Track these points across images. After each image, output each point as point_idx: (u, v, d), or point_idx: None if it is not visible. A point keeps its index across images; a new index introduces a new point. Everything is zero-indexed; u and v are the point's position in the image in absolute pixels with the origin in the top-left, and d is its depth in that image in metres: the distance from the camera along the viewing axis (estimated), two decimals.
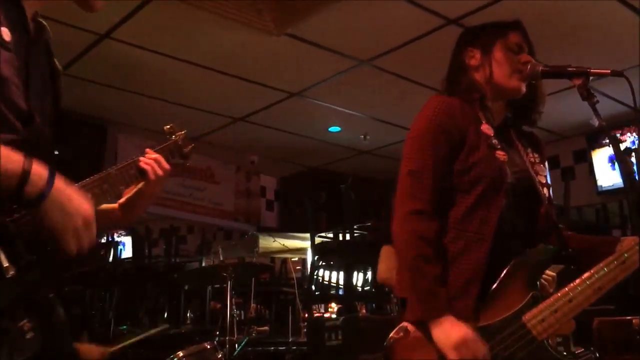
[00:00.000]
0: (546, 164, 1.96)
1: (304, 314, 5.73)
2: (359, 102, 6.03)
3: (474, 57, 1.89)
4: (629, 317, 2.92)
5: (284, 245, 7.35)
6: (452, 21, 4.45)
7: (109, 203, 1.63)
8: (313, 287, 5.49)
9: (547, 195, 1.84)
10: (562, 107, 5.56)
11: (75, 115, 6.01)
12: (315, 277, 5.53)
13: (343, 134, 6.93)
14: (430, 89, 4.55)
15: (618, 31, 4.57)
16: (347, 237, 5.41)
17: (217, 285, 5.54)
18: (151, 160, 1.72)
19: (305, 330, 5.29)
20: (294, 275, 7.09)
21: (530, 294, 1.64)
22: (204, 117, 6.24)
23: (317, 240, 5.92)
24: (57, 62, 1.54)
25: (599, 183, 6.52)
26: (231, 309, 3.86)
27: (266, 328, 5.78)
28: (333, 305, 5.98)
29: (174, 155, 1.87)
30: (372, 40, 4.78)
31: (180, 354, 3.35)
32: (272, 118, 6.43)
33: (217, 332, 3.94)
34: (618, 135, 6.19)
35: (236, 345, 3.84)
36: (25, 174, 1.19)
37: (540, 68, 1.79)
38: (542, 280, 1.74)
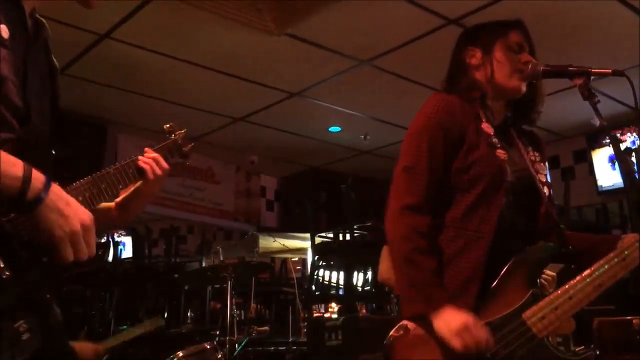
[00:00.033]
0: (546, 163, 1.95)
1: (304, 314, 5.73)
2: (359, 102, 6.03)
3: (475, 57, 1.89)
4: (629, 317, 2.92)
5: (284, 245, 7.35)
6: (452, 21, 4.45)
7: (106, 202, 1.61)
8: (313, 287, 5.49)
9: (547, 193, 1.84)
10: (562, 107, 5.56)
11: (75, 115, 6.01)
12: (315, 277, 5.53)
13: (343, 134, 6.93)
14: (431, 89, 4.54)
15: (618, 31, 4.57)
16: (347, 237, 5.41)
17: (217, 285, 5.54)
18: (150, 160, 1.70)
19: (305, 330, 5.29)
20: (294, 275, 7.09)
21: (531, 292, 1.64)
22: (204, 117, 6.24)
23: (317, 240, 5.91)
24: (55, 60, 1.53)
25: (599, 183, 6.52)
26: (231, 309, 3.86)
27: (266, 328, 5.78)
28: (333, 305, 5.98)
29: (174, 154, 1.85)
30: (372, 40, 4.78)
31: (180, 354, 3.35)
32: (272, 118, 6.43)
33: (217, 332, 3.94)
34: (618, 135, 6.19)
35: (236, 345, 3.84)
36: (27, 179, 1.17)
37: (541, 68, 1.79)
38: (542, 280, 1.74)
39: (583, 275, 1.62)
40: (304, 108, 6.15)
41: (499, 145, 1.79)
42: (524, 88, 1.85)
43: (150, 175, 1.68)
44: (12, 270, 1.20)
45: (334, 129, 6.78)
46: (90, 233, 1.25)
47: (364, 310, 5.38)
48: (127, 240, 8.16)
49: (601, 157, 6.53)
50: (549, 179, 1.89)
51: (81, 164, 5.50)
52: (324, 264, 5.64)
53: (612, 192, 6.36)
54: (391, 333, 1.66)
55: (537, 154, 1.91)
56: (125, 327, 5.56)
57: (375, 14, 4.37)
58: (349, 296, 5.23)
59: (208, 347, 3.48)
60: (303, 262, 7.55)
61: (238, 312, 5.06)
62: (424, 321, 1.62)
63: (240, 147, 7.36)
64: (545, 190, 1.84)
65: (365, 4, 4.24)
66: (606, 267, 1.62)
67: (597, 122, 1.66)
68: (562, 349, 1.64)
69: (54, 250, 1.21)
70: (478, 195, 1.73)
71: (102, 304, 5.72)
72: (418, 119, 1.82)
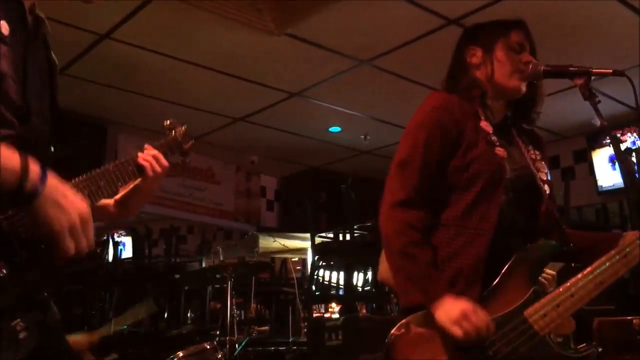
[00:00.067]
0: (547, 161, 1.95)
1: (304, 314, 5.73)
2: (359, 102, 6.03)
3: (476, 56, 1.89)
4: (629, 317, 2.92)
5: (284, 245, 7.35)
6: (452, 21, 4.45)
7: (105, 199, 1.59)
8: (313, 287, 5.49)
9: (548, 192, 1.84)
10: (563, 107, 5.56)
11: (75, 115, 6.00)
12: (315, 277, 5.53)
13: (343, 134, 6.93)
14: (431, 89, 4.53)
15: (618, 31, 4.57)
16: (348, 237, 5.41)
17: (217, 286, 5.54)
18: (150, 157, 1.68)
19: (305, 330, 5.29)
20: (294, 275, 7.09)
21: (532, 289, 1.64)
22: (204, 117, 6.23)
23: (318, 240, 5.92)
24: (54, 57, 1.52)
25: (599, 183, 6.52)
26: (231, 309, 3.86)
27: (266, 328, 5.78)
28: (333, 305, 5.98)
29: (174, 151, 1.82)
30: (372, 40, 4.78)
31: (180, 354, 3.35)
32: (273, 118, 6.43)
33: (217, 332, 3.94)
34: (618, 135, 6.19)
35: (236, 346, 3.84)
36: (24, 171, 1.17)
37: (542, 68, 1.79)
38: (542, 279, 1.74)
39: (584, 272, 1.62)
40: (304, 108, 6.15)
41: (497, 143, 1.79)
42: (524, 88, 1.85)
43: (150, 173, 1.66)
44: (10, 269, 1.20)
45: (334, 129, 6.78)
46: (88, 224, 1.25)
47: (364, 310, 5.38)
48: (127, 240, 8.16)
49: (601, 157, 6.53)
50: (549, 178, 1.89)
51: (81, 164, 5.50)
52: (324, 264, 5.64)
53: (612, 192, 6.36)
54: (392, 331, 1.65)
55: (537, 153, 1.91)
56: (125, 327, 5.57)
57: (375, 14, 4.37)
58: (349, 296, 5.23)
59: (208, 347, 3.47)
60: (303, 262, 7.55)
61: (238, 312, 5.07)
62: (425, 316, 1.62)
63: (241, 147, 7.36)
64: (546, 188, 1.84)
65: (365, 4, 4.24)
66: (607, 264, 1.62)
67: (597, 122, 1.66)
68: (564, 346, 1.64)
69: (54, 244, 1.21)
70: (477, 193, 1.73)
71: (102, 304, 5.72)
72: (416, 116, 1.83)
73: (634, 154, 5.93)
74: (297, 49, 4.89)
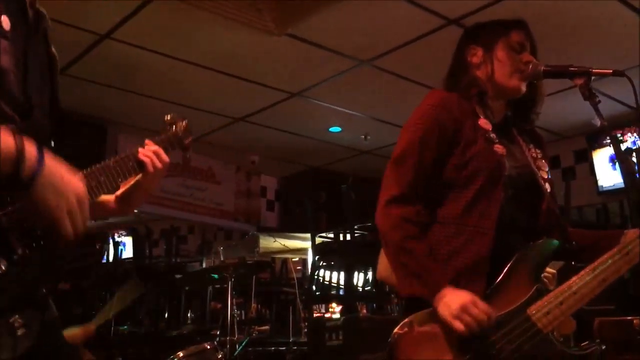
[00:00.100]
0: (548, 160, 1.95)
1: (305, 314, 5.73)
2: (360, 102, 6.03)
3: (476, 55, 1.89)
4: (629, 317, 2.92)
5: (284, 245, 7.35)
6: (453, 21, 4.45)
7: (106, 194, 1.58)
8: (314, 287, 5.49)
9: (549, 190, 1.84)
10: (563, 107, 5.56)
11: (75, 115, 6.01)
12: (315, 277, 5.53)
13: (343, 134, 6.93)
14: (431, 89, 4.54)
15: (618, 31, 4.57)
16: (348, 237, 5.41)
17: (218, 286, 5.54)
18: (150, 153, 1.67)
19: (305, 330, 5.29)
20: (294, 275, 7.09)
21: (535, 287, 1.64)
22: (204, 117, 6.23)
23: (318, 240, 5.91)
24: (54, 51, 1.51)
25: (600, 183, 6.52)
26: (232, 309, 3.86)
27: (267, 327, 5.78)
28: (334, 305, 5.98)
29: (174, 146, 1.82)
30: (372, 40, 4.78)
31: (181, 354, 3.35)
32: (273, 118, 6.43)
33: (218, 332, 3.94)
34: (619, 135, 6.19)
35: (237, 346, 3.83)
36: (20, 155, 1.15)
37: (542, 68, 1.80)
38: (543, 277, 1.74)
39: (587, 270, 1.62)
40: (304, 108, 6.15)
41: (496, 140, 1.79)
42: (523, 88, 1.85)
43: (150, 168, 1.66)
44: (8, 265, 1.20)
45: (334, 129, 6.78)
46: (85, 205, 1.25)
47: (365, 311, 5.38)
48: (128, 241, 8.17)
49: (602, 157, 6.53)
50: (549, 177, 1.89)
51: (81, 164, 5.49)
52: (324, 264, 5.64)
53: (613, 192, 6.36)
54: (395, 330, 1.65)
55: (538, 152, 1.91)
56: (125, 327, 5.57)
57: (375, 14, 4.37)
58: (349, 296, 5.23)
59: (208, 347, 3.48)
60: (303, 262, 7.55)
61: (238, 312, 5.06)
62: (428, 314, 1.62)
63: (241, 147, 7.36)
64: (547, 186, 1.84)
65: (365, 4, 4.24)
66: (610, 262, 1.62)
67: (597, 123, 1.66)
68: (568, 344, 1.64)
69: (53, 228, 1.21)
70: (477, 191, 1.73)
71: (102, 303, 5.72)
72: (415, 114, 1.84)
73: (634, 154, 5.94)
74: (297, 49, 4.88)
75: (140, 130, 6.39)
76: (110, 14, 4.43)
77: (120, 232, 8.58)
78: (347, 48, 4.92)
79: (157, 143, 1.73)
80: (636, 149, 6.07)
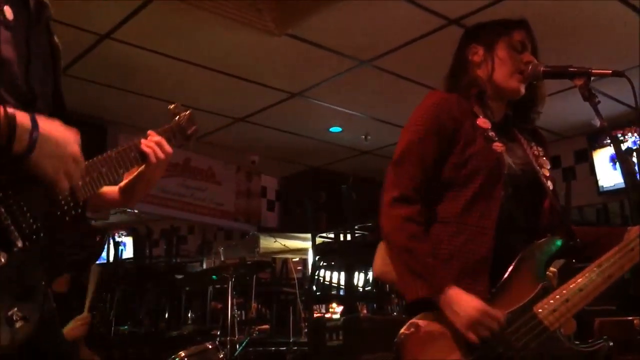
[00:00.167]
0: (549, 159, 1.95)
1: (305, 314, 5.73)
2: (360, 102, 6.03)
3: (477, 54, 1.89)
4: (630, 318, 2.92)
5: (284, 245, 7.35)
6: (453, 21, 4.45)
7: (108, 185, 1.58)
8: (314, 288, 5.49)
9: (551, 188, 1.84)
10: (563, 107, 5.56)
11: (75, 115, 5.97)
12: (316, 277, 5.53)
13: (344, 134, 6.93)
14: (431, 89, 4.54)
15: (618, 31, 4.57)
16: (348, 237, 5.41)
17: (218, 286, 5.54)
18: (152, 143, 1.67)
19: (306, 330, 5.29)
20: (294, 275, 7.10)
21: (541, 285, 1.64)
22: (204, 117, 6.23)
23: (318, 240, 5.92)
24: (57, 41, 1.51)
25: (600, 183, 6.51)
26: (232, 309, 3.86)
27: (267, 326, 5.78)
28: (334, 305, 5.98)
29: (177, 136, 1.81)
30: (372, 40, 4.78)
31: (182, 354, 3.35)
32: (273, 118, 6.43)
33: (218, 333, 3.94)
34: (619, 135, 6.18)
35: (237, 346, 3.84)
36: (11, 130, 1.16)
37: (542, 68, 1.80)
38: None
39: (592, 267, 1.63)
40: (304, 108, 6.15)
41: (495, 139, 1.79)
42: (523, 89, 1.85)
43: (153, 159, 1.65)
44: (8, 258, 1.20)
45: (335, 129, 6.78)
46: (80, 162, 1.30)
47: (365, 311, 5.38)
48: (128, 241, 8.18)
49: (602, 157, 6.52)
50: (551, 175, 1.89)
51: None
52: (324, 264, 5.64)
53: (613, 192, 6.35)
54: (401, 331, 1.64)
55: (540, 149, 1.92)
56: (126, 327, 5.57)
57: (375, 14, 4.37)
58: (349, 296, 5.23)
59: (210, 347, 3.48)
60: (304, 262, 7.56)
61: (239, 312, 5.07)
62: (434, 314, 1.62)
63: (241, 147, 7.36)
64: (549, 184, 1.84)
65: (365, 4, 4.24)
66: (615, 258, 1.62)
67: (597, 123, 1.66)
68: (575, 341, 1.64)
69: (50, 186, 1.26)
70: (477, 189, 1.73)
71: (103, 304, 5.72)
72: (414, 114, 1.84)
73: (634, 153, 5.94)
74: (298, 49, 4.88)
75: (140, 130, 6.28)
76: (110, 14, 4.43)
77: (120, 232, 8.59)
78: (347, 48, 4.92)
79: (159, 134, 1.72)
80: (636, 149, 6.07)
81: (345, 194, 5.40)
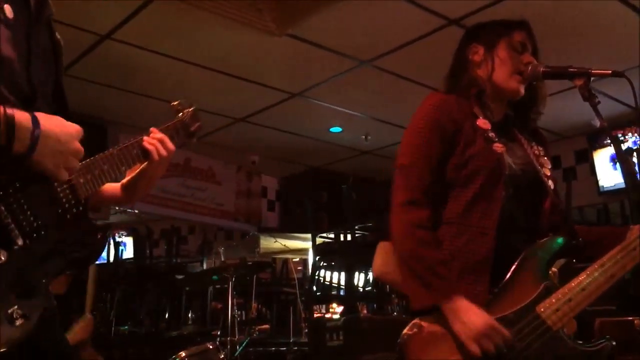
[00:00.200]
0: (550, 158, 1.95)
1: (305, 315, 5.73)
2: (360, 102, 6.02)
3: (478, 53, 1.89)
4: (630, 318, 2.92)
5: (285, 245, 7.36)
6: (453, 21, 4.44)
7: (111, 183, 1.57)
8: (314, 288, 5.49)
9: (552, 187, 1.83)
10: (563, 107, 5.56)
11: (75, 115, 5.98)
12: (316, 277, 5.54)
13: (344, 135, 6.93)
14: (431, 89, 4.54)
15: (618, 31, 4.57)
16: (349, 237, 5.41)
17: (218, 286, 5.55)
18: (155, 141, 1.66)
19: (306, 330, 5.29)
20: (295, 275, 7.10)
21: (543, 285, 1.64)
22: (204, 117, 6.11)
23: (318, 240, 5.92)
24: (59, 37, 1.50)
25: (601, 183, 6.50)
26: (232, 310, 3.86)
27: (267, 326, 5.78)
28: (334, 305, 5.98)
29: (180, 133, 1.80)
30: (372, 40, 4.78)
31: (183, 354, 3.35)
32: (273, 118, 6.43)
33: (218, 333, 3.94)
34: (619, 135, 6.18)
35: (237, 346, 3.84)
36: (10, 130, 1.16)
37: (541, 69, 1.80)
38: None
39: (595, 266, 1.62)
40: (304, 108, 6.14)
41: (496, 140, 1.79)
42: (522, 90, 1.85)
43: (155, 157, 1.64)
44: (8, 255, 1.20)
45: (335, 129, 6.78)
46: (80, 154, 1.32)
47: (365, 311, 5.38)
48: (128, 241, 8.18)
49: (603, 157, 6.52)
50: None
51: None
52: (325, 264, 5.64)
53: (614, 193, 6.34)
54: (404, 331, 1.64)
55: (541, 149, 1.91)
56: (126, 327, 5.57)
57: (375, 14, 4.37)
58: (350, 296, 5.23)
59: (211, 347, 3.48)
60: (304, 262, 7.56)
61: (239, 312, 5.07)
62: (437, 316, 1.61)
63: (241, 147, 7.36)
64: (550, 183, 1.84)
65: (365, 4, 4.24)
66: (617, 257, 1.62)
67: (597, 123, 1.66)
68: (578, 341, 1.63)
69: (49, 179, 1.29)
70: (477, 190, 1.73)
71: (103, 304, 5.72)
72: (415, 117, 1.83)
73: (634, 153, 5.93)
74: (298, 49, 4.88)
75: (141, 130, 6.32)
76: (110, 15, 4.43)
77: (120, 232, 8.58)
78: (347, 48, 4.92)
79: (162, 131, 1.71)
80: (636, 149, 6.07)
81: (346, 194, 5.40)
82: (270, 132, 6.82)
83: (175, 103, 1.85)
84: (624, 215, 6.11)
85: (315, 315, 5.66)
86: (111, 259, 7.03)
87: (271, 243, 7.28)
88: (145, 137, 1.66)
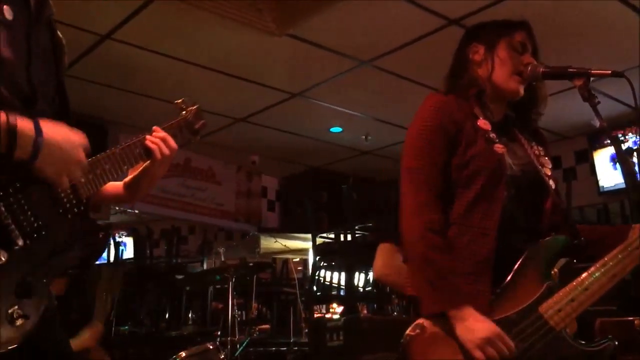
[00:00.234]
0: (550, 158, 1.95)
1: (305, 315, 5.73)
2: (360, 102, 6.02)
3: (478, 53, 1.89)
4: (630, 318, 2.92)
5: (285, 245, 7.35)
6: (453, 22, 4.44)
7: (113, 181, 1.57)
8: (314, 288, 5.49)
9: (554, 187, 1.83)
10: (563, 108, 5.55)
11: (75, 115, 5.99)
12: (316, 277, 5.53)
13: (344, 135, 6.93)
14: (432, 89, 4.53)
15: (618, 31, 4.57)
16: (349, 237, 5.41)
17: (219, 286, 5.54)
18: (158, 139, 1.66)
19: (306, 330, 5.29)
20: (295, 275, 7.09)
21: (546, 285, 1.64)
22: (204, 117, 6.22)
23: (319, 240, 5.92)
24: (60, 37, 1.50)
25: (601, 183, 6.50)
26: (232, 310, 3.86)
27: (267, 326, 5.78)
28: (334, 305, 5.98)
29: (183, 131, 1.80)
30: (373, 40, 4.78)
31: (183, 354, 3.35)
32: (273, 118, 6.43)
33: (219, 333, 3.94)
34: (619, 135, 6.18)
35: (237, 346, 3.83)
36: (12, 138, 1.17)
37: (541, 70, 1.80)
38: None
39: (597, 266, 1.62)
40: (304, 108, 6.14)
41: (496, 140, 1.79)
42: (521, 91, 1.85)
43: (158, 155, 1.64)
44: (9, 256, 1.20)
45: (335, 129, 6.78)
46: (84, 165, 1.33)
47: (365, 311, 5.38)
48: (129, 241, 8.18)
49: (603, 158, 6.52)
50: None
51: None
52: (325, 264, 5.64)
53: (614, 193, 6.34)
54: (407, 332, 1.63)
55: (541, 149, 1.91)
56: (126, 327, 5.57)
57: (375, 14, 4.36)
58: (350, 297, 5.23)
59: (211, 347, 3.48)
60: (304, 262, 7.56)
61: (239, 312, 5.07)
62: (442, 319, 1.61)
63: (241, 147, 7.36)
64: (551, 183, 1.83)
65: (365, 4, 4.24)
66: (620, 257, 1.62)
67: (597, 123, 1.66)
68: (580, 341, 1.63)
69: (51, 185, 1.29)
70: (479, 190, 1.73)
71: (102, 304, 5.71)
72: (416, 119, 1.83)
73: (634, 153, 5.93)
74: (298, 49, 4.88)
75: (141, 130, 6.34)
76: (111, 15, 4.43)
77: (121, 232, 8.58)
78: (347, 48, 4.92)
79: (165, 129, 1.71)
80: (636, 149, 6.06)
81: (346, 194, 5.40)
82: (270, 132, 6.82)
83: (178, 101, 1.85)
84: (624, 215, 6.10)
85: (315, 316, 5.66)
86: (111, 259, 7.04)
87: (271, 243, 7.28)
88: (147, 136, 1.65)
